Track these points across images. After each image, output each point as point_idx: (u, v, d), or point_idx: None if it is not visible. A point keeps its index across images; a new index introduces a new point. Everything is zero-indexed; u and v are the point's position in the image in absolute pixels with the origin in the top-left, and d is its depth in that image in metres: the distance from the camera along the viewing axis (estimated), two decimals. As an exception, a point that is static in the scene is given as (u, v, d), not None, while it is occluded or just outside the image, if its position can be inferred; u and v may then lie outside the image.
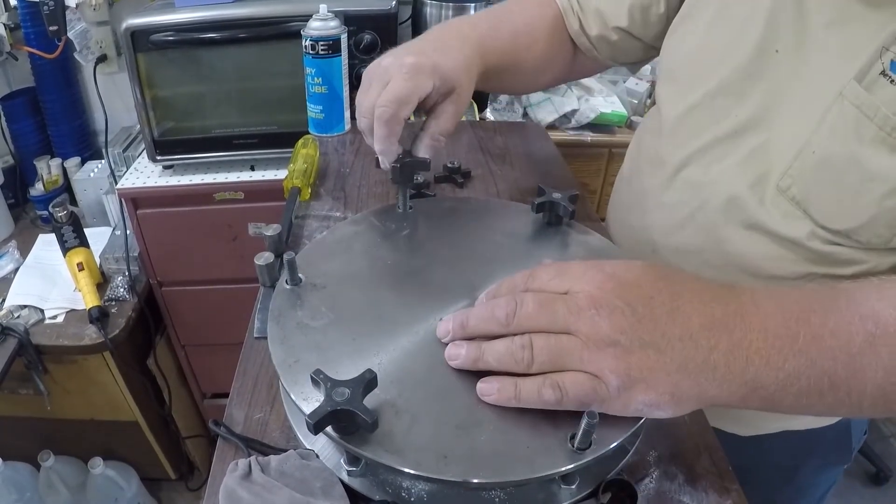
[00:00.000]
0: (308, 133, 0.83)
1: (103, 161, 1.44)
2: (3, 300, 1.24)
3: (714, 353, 0.35)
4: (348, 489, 0.38)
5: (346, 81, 0.83)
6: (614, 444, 0.36)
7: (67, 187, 1.49)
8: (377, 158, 0.54)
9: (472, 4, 1.27)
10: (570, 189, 0.53)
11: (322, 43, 0.77)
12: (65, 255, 1.23)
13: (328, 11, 0.81)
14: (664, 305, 0.36)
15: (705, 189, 0.55)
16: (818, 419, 0.63)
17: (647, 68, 1.49)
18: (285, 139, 1.21)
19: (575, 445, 0.35)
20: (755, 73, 0.51)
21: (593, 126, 1.41)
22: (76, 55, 1.38)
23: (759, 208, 0.52)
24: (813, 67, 0.48)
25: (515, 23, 0.67)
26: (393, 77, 0.51)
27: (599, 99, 1.44)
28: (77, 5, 1.33)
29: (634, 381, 0.34)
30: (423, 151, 0.54)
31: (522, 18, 0.68)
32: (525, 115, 1.43)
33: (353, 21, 1.04)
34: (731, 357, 0.35)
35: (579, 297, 0.36)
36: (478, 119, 1.30)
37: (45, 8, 1.25)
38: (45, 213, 1.41)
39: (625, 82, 1.55)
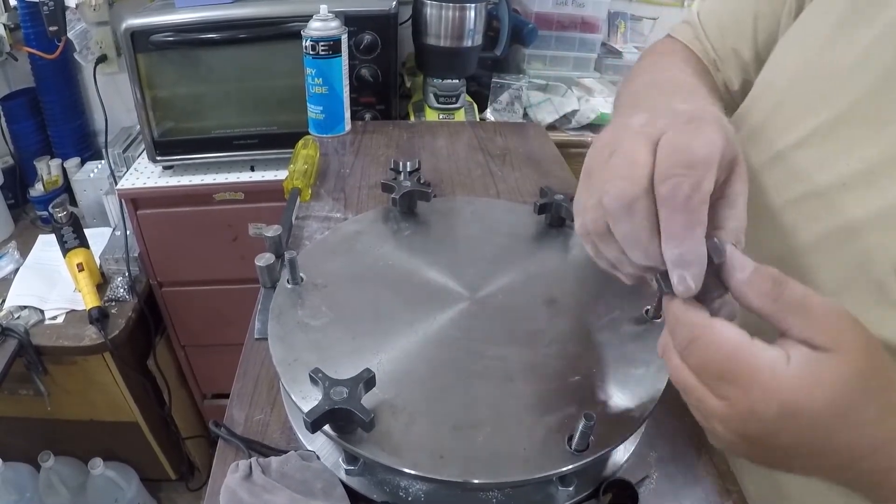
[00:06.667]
0: (308, 133, 0.83)
1: (103, 161, 1.44)
2: (3, 301, 1.24)
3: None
4: (349, 490, 0.38)
5: (346, 82, 0.83)
6: (611, 446, 0.36)
7: (67, 188, 1.49)
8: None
9: (473, 5, 1.27)
10: (572, 190, 0.53)
11: (322, 43, 0.77)
12: (65, 255, 1.23)
13: (328, 12, 0.81)
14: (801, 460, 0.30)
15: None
16: None
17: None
18: (285, 140, 1.21)
19: (572, 447, 0.35)
20: (887, 104, 0.38)
21: (594, 126, 1.41)
22: (76, 55, 1.38)
23: None
24: None
25: (688, 86, 0.51)
26: (666, 132, 0.32)
27: (600, 99, 1.43)
28: (77, 6, 1.33)
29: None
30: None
31: (684, 79, 0.53)
32: (525, 115, 1.43)
33: (353, 22, 1.05)
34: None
35: (719, 418, 0.30)
36: (478, 119, 1.30)
37: (45, 8, 1.25)
38: (45, 213, 1.41)
39: (625, 83, 1.55)
